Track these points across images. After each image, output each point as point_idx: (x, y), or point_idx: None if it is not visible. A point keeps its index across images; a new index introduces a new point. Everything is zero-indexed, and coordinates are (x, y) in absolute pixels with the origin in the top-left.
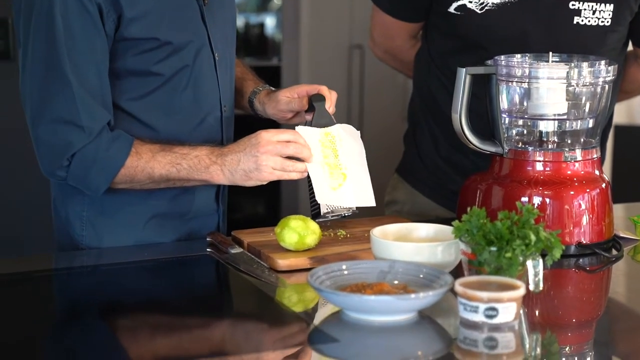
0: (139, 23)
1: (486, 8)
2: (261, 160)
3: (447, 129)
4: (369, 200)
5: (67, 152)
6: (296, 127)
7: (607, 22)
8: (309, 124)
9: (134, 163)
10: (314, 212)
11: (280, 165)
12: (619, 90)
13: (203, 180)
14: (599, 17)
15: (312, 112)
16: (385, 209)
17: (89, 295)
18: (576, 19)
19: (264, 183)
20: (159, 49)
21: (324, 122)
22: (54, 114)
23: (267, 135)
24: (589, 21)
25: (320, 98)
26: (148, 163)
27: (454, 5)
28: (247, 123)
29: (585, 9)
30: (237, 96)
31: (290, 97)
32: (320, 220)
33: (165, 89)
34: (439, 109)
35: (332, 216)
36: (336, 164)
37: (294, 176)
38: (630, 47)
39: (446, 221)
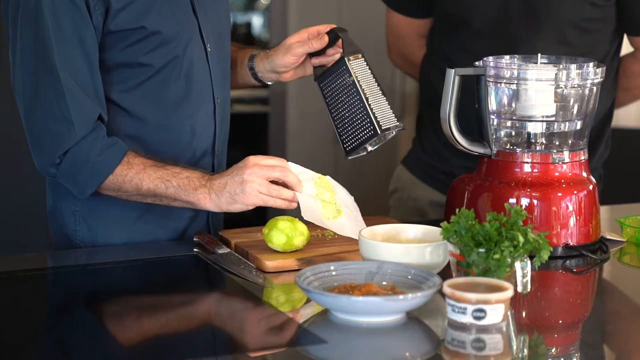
0: (126, 13)
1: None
2: (246, 182)
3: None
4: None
5: (58, 149)
6: (289, 164)
7: None
8: (324, 71)
9: (123, 172)
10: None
11: (266, 189)
12: (620, 88)
13: (188, 202)
14: None
15: (331, 49)
16: (389, 199)
17: (76, 295)
18: None
19: (250, 208)
20: (148, 39)
21: (354, 49)
22: (45, 110)
23: (255, 159)
24: None
25: (342, 29)
26: (138, 174)
27: None
28: (248, 121)
29: None
30: (234, 69)
31: (302, 40)
32: (354, 155)
33: (155, 81)
34: (436, 94)
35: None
36: (331, 201)
37: (280, 203)
38: (623, 51)
39: (435, 222)
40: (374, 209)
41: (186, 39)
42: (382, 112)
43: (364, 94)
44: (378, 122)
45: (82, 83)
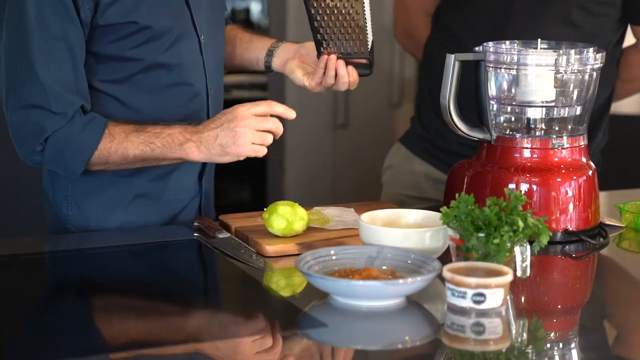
0: (116, 8)
1: None
2: (239, 134)
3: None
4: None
5: (40, 136)
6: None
7: None
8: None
9: (107, 145)
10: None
11: (259, 139)
12: (620, 79)
13: (178, 158)
14: None
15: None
16: (382, 176)
17: (74, 279)
18: None
19: (241, 159)
20: (138, 34)
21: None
22: (25, 101)
23: (244, 109)
24: None
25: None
26: (121, 144)
27: None
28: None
29: None
30: (239, 53)
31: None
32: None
33: (147, 73)
34: (439, 72)
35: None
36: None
37: (264, 151)
38: (626, 43)
39: (435, 207)
40: (371, 191)
41: (178, 32)
42: (370, 32)
43: (367, 14)
44: (367, 44)
45: (61, 77)
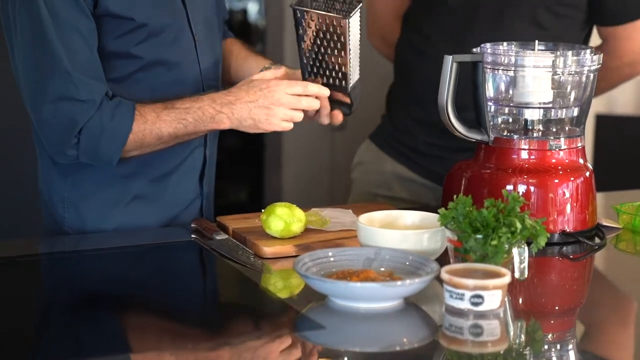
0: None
1: None
2: (273, 113)
3: (415, 89)
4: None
5: (74, 129)
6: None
7: None
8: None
9: (140, 127)
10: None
11: (289, 116)
12: None
13: (211, 130)
14: None
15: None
16: (351, 172)
17: (69, 281)
18: None
19: (268, 131)
20: (137, 31)
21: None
22: (53, 94)
23: (280, 89)
24: None
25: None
26: (155, 124)
27: None
28: None
29: None
30: (236, 65)
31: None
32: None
33: (146, 71)
34: (410, 71)
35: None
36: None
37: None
38: (591, 44)
39: (432, 209)
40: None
41: (175, 30)
42: (353, 72)
43: (350, 51)
44: (348, 82)
45: (83, 65)
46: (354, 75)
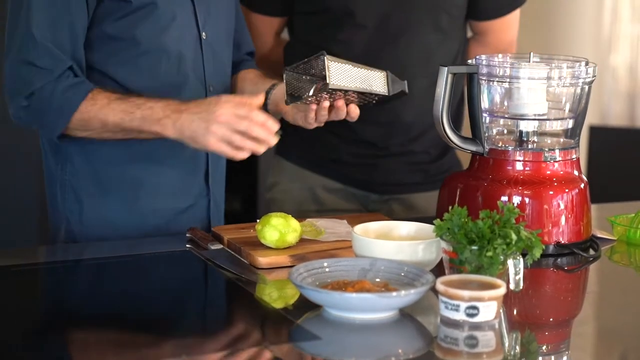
0: None
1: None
2: (212, 128)
3: None
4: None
5: (25, 91)
6: None
7: None
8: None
9: (87, 108)
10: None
11: (227, 138)
12: None
13: (154, 133)
14: None
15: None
16: (267, 194)
17: (62, 292)
18: None
19: (208, 150)
20: (136, 13)
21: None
22: (17, 55)
23: (226, 106)
24: None
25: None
26: (102, 109)
27: None
28: None
29: None
30: (241, 90)
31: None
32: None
33: (147, 56)
34: None
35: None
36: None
37: (240, 155)
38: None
39: (427, 220)
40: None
41: (179, 19)
42: (374, 83)
43: (352, 86)
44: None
45: (54, 35)
46: (376, 83)
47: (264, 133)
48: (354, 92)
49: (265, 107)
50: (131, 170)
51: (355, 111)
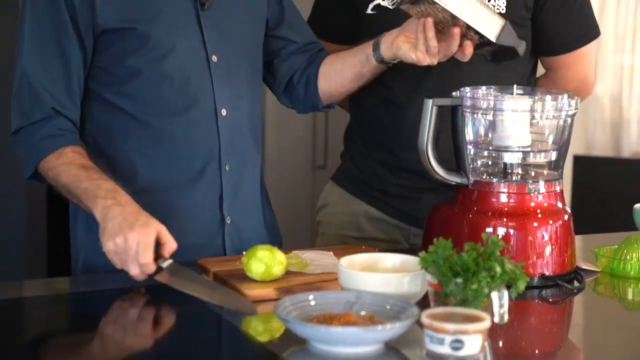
0: (113, 10)
1: (396, 3)
2: (117, 240)
3: (378, 134)
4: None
5: (13, 125)
6: None
7: (502, 9)
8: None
9: (52, 160)
10: None
11: (122, 256)
12: None
13: (87, 208)
14: (493, 4)
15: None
16: (316, 215)
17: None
18: None
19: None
20: (139, 41)
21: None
22: (16, 86)
23: (144, 231)
24: None
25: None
26: (59, 167)
27: (371, 5)
28: None
29: None
30: (341, 63)
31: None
32: None
33: (149, 83)
34: (368, 113)
35: None
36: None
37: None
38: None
39: (412, 251)
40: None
41: (180, 49)
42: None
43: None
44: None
45: (46, 78)
46: (487, 24)
47: (138, 271)
48: (462, 22)
49: (380, 59)
50: (143, 196)
51: (469, 48)
